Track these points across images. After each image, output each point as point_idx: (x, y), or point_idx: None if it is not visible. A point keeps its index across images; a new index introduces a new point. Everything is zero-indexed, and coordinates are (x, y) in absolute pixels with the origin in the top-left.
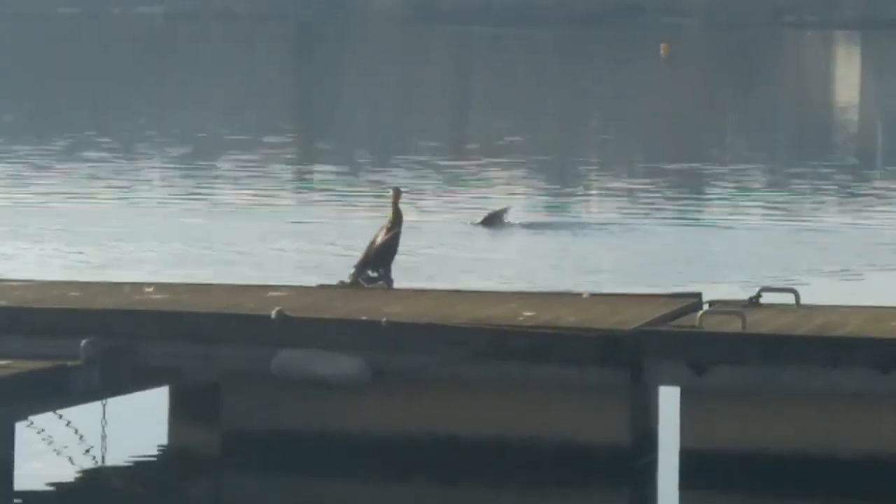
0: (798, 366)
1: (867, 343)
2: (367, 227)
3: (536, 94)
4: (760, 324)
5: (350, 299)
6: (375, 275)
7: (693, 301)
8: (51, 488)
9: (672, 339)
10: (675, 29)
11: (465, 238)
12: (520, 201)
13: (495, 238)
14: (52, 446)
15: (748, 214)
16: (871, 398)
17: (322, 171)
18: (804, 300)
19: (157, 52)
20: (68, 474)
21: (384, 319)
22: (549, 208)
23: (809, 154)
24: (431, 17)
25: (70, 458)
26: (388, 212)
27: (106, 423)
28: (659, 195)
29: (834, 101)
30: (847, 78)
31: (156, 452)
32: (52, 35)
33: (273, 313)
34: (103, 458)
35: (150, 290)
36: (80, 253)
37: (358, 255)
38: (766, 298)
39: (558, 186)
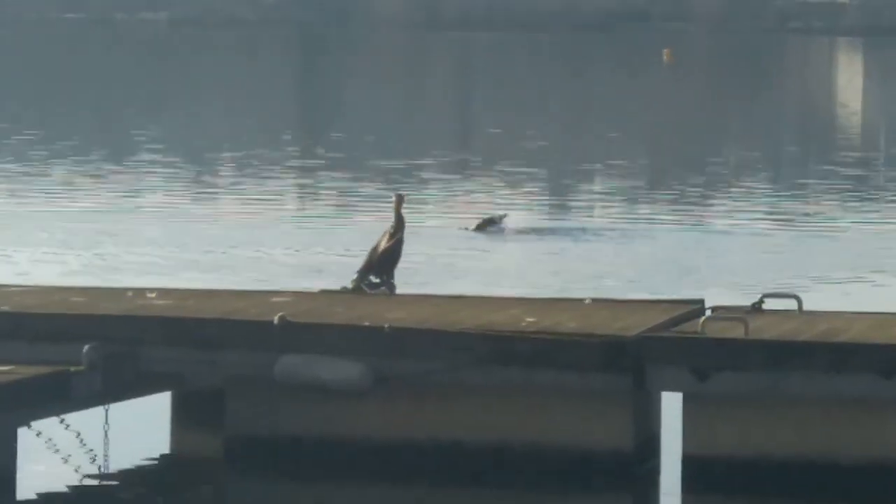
0: (801, 372)
1: (870, 349)
2: (369, 232)
3: (540, 99)
4: (763, 330)
5: (352, 305)
6: (378, 280)
7: (695, 307)
8: (53, 494)
9: (674, 345)
10: (680, 35)
11: (464, 244)
12: (522, 207)
13: (497, 244)
14: (54, 452)
15: (751, 220)
16: (874, 404)
17: (325, 176)
18: (807, 306)
19: (161, 58)
20: (70, 480)
21: (387, 325)
22: (552, 214)
23: (812, 160)
24: (436, 24)
25: (72, 464)
26: (391, 217)
27: (108, 428)
28: (661, 201)
29: (837, 107)
30: (851, 84)
31: (158, 458)
32: (56, 40)
33: (276, 319)
34: (106, 463)
35: (153, 295)
36: (83, 258)
37: (360, 260)
38: (769, 304)
39: (561, 192)
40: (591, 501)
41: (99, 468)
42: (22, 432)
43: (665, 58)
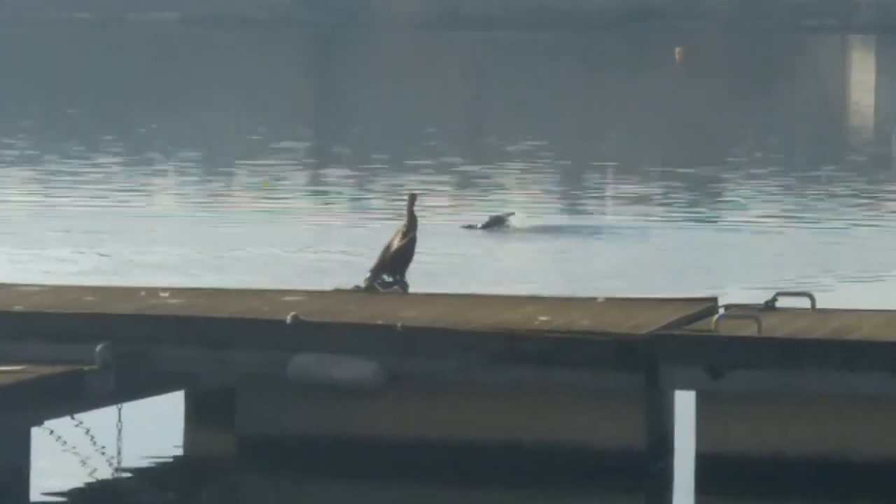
0: (814, 370)
1: (883, 347)
2: (382, 231)
3: (554, 98)
4: (776, 328)
5: (365, 304)
6: (391, 279)
7: (708, 305)
8: (66, 493)
9: (687, 344)
10: (693, 33)
11: (476, 243)
12: (535, 205)
13: (510, 243)
14: (67, 451)
15: (764, 218)
16: (888, 401)
17: (338, 175)
18: (820, 304)
19: (172, 58)
20: (83, 479)
21: (399, 324)
22: (564, 212)
23: (825, 158)
24: (451, 23)
25: (85, 463)
26: (404, 216)
27: (121, 427)
28: (674, 199)
29: (850, 105)
30: (864, 81)
31: (171, 457)
32: (67, 40)
33: (288, 318)
34: (118, 462)
35: (166, 294)
36: (96, 257)
37: (373, 259)
38: (782, 302)
39: (573, 190)
40: (604, 500)
41: (112, 467)
42: (35, 431)
43: (677, 56)
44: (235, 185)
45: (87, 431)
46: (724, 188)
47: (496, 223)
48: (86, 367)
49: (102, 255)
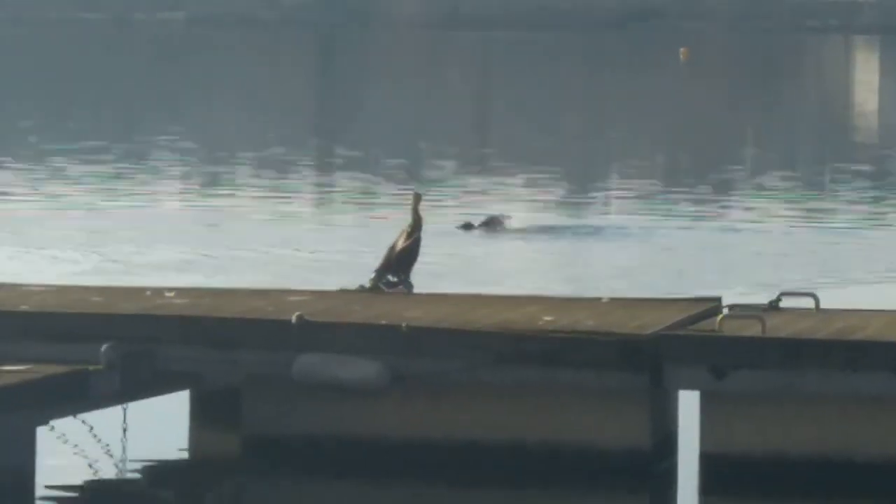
0: (818, 370)
1: (886, 347)
2: (387, 231)
3: (557, 98)
4: (780, 328)
5: (370, 304)
6: (395, 279)
7: (712, 305)
8: (71, 492)
9: (692, 344)
10: (697, 34)
11: (476, 243)
12: (539, 205)
13: (514, 243)
14: (73, 451)
15: (768, 218)
16: (891, 401)
17: (342, 175)
18: (824, 304)
19: (179, 58)
20: (89, 478)
21: (404, 324)
22: (569, 212)
23: (829, 158)
24: (454, 24)
25: (90, 463)
26: (409, 216)
27: (126, 427)
28: (678, 199)
29: (854, 106)
30: (868, 82)
31: (176, 457)
32: (73, 40)
33: (293, 318)
34: (124, 462)
35: (171, 294)
36: (101, 257)
37: (378, 259)
38: (786, 302)
39: (577, 190)
40: (609, 500)
41: (117, 467)
42: (41, 431)
43: (682, 57)
44: (240, 185)
45: (92, 430)
46: (729, 188)
47: (493, 223)
48: (91, 367)
49: (107, 254)
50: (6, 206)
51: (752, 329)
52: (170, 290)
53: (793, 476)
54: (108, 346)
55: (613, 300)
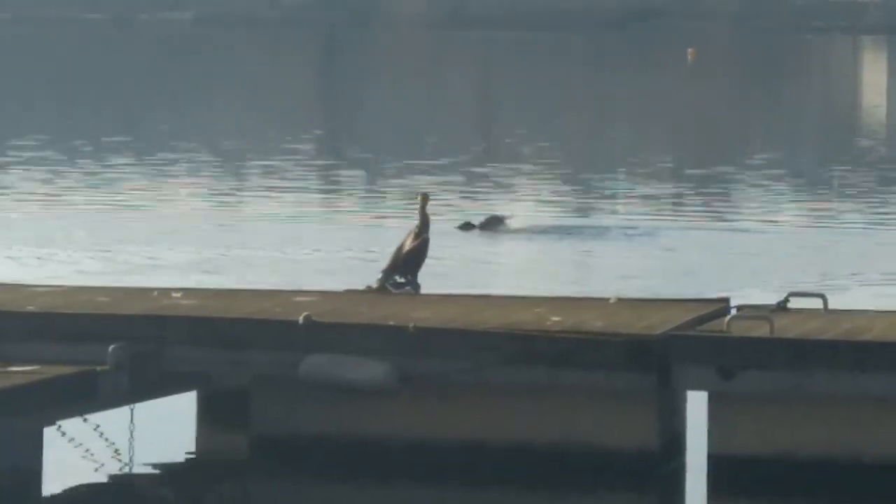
0: (825, 370)
1: (894, 348)
2: (394, 232)
3: (562, 98)
4: (788, 328)
5: (377, 304)
6: (403, 280)
7: (721, 306)
8: (78, 493)
9: (700, 344)
10: (702, 34)
11: (481, 243)
12: (546, 206)
13: (521, 243)
14: (80, 451)
15: (776, 219)
16: None
17: (349, 176)
18: (832, 305)
19: (185, 58)
20: (96, 479)
21: (411, 325)
22: (576, 213)
23: (837, 159)
24: (457, 23)
25: (98, 463)
26: (416, 217)
27: (134, 427)
28: (686, 200)
29: (861, 106)
30: (874, 82)
31: (184, 457)
32: (80, 40)
33: (301, 318)
34: (131, 462)
35: (178, 295)
36: (109, 258)
37: (385, 260)
38: (794, 303)
39: (584, 191)
40: (616, 500)
41: (124, 468)
42: (48, 432)
43: (689, 57)
44: (247, 186)
45: (100, 431)
46: (737, 189)
47: (494, 223)
48: (98, 368)
49: (114, 255)
50: (12, 206)
51: (760, 330)
52: (177, 290)
53: (800, 477)
54: (115, 346)
55: (621, 301)
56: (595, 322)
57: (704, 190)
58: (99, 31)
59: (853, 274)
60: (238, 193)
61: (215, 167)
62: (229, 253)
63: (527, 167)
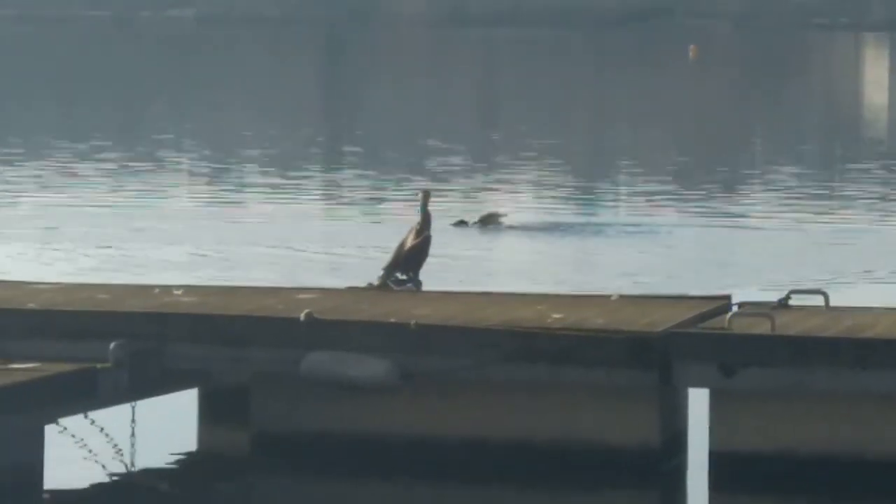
0: (827, 367)
1: None
2: (395, 229)
3: (565, 96)
4: (789, 325)
5: (379, 302)
6: (404, 277)
7: (722, 303)
8: (79, 491)
9: (701, 341)
10: (705, 31)
11: (480, 241)
12: (548, 202)
13: (522, 240)
14: (81, 449)
15: (777, 216)
16: None
17: (350, 173)
18: (833, 302)
19: (187, 56)
20: (97, 477)
21: (413, 322)
22: (578, 210)
23: (839, 156)
24: (460, 21)
25: (99, 461)
26: (418, 214)
27: (135, 425)
28: (688, 197)
29: (864, 103)
30: (877, 79)
31: (185, 455)
32: (81, 38)
33: (302, 315)
34: (132, 460)
35: (179, 292)
36: (109, 255)
37: (387, 257)
38: (796, 300)
39: (587, 188)
40: (618, 498)
41: (125, 465)
42: (49, 429)
43: (691, 54)
44: (249, 183)
45: (100, 428)
46: (738, 186)
47: (489, 220)
48: (99, 365)
49: (115, 252)
50: (13, 204)
51: (762, 327)
52: (178, 287)
53: (802, 474)
54: (116, 344)
55: (623, 298)
56: (596, 319)
57: (706, 187)
58: (100, 28)
59: (855, 271)
60: (239, 190)
61: (217, 164)
62: (230, 250)
63: (529, 165)
